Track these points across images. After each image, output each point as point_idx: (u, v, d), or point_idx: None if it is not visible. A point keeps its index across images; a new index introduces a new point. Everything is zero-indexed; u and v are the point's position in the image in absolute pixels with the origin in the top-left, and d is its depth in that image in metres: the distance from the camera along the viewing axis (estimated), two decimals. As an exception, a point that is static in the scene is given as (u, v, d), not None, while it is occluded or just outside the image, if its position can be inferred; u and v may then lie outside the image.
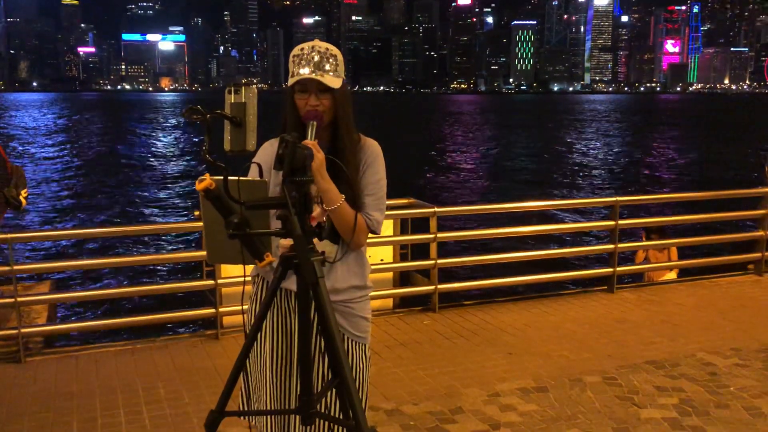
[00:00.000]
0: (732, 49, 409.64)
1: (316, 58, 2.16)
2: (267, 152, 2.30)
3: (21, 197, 5.51)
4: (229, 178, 1.87)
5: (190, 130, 56.17)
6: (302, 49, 2.19)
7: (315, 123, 2.14)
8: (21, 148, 39.05)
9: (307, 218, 1.95)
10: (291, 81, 2.19)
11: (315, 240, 2.03)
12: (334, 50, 2.22)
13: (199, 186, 1.87)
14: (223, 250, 2.01)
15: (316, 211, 2.19)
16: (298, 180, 1.90)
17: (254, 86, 1.98)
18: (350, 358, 2.32)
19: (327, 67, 2.17)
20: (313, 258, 1.89)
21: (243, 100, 1.94)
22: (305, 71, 2.15)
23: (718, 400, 4.15)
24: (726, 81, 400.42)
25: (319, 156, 2.04)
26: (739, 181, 25.19)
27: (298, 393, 2.08)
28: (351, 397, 1.86)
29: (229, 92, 1.96)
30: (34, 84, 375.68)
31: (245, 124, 1.94)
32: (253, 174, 2.17)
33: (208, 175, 1.89)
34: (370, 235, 2.33)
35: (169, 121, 74.62)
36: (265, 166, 2.17)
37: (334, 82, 2.17)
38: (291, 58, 2.20)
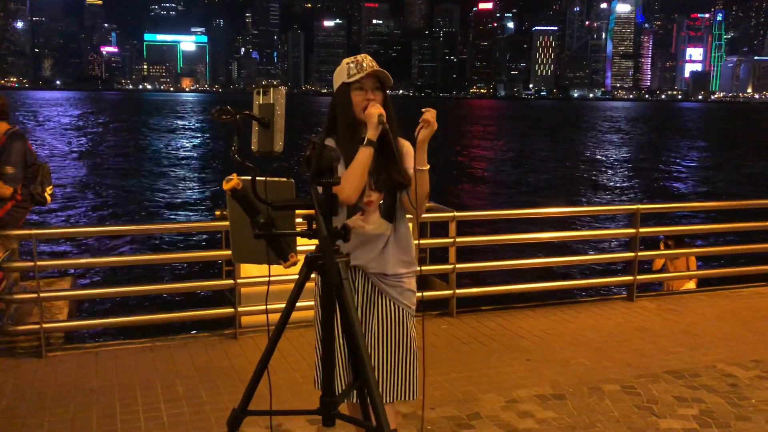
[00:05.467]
0: (756, 57, 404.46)
1: (372, 64, 2.53)
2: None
3: (46, 194, 5.58)
4: (257, 178, 1.88)
5: (214, 130, 56.50)
6: (356, 57, 2.54)
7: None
8: (46, 145, 39.51)
9: (362, 204, 2.02)
10: (355, 77, 2.46)
11: (375, 215, 2.35)
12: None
13: (226, 185, 1.89)
14: (248, 249, 2.03)
15: (374, 195, 2.41)
16: (324, 181, 1.90)
17: (282, 88, 1.99)
18: (404, 327, 2.79)
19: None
20: (338, 259, 1.90)
21: (271, 102, 1.95)
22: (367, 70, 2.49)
23: (738, 412, 4.10)
24: (749, 90, 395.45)
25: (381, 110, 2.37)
26: (763, 190, 24.86)
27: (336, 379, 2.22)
28: (374, 399, 1.86)
29: (258, 93, 1.97)
30: (58, 82, 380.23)
31: (273, 125, 1.95)
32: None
33: (235, 174, 1.91)
34: None
35: (193, 121, 75.11)
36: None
37: (388, 79, 2.54)
38: (347, 65, 2.50)
